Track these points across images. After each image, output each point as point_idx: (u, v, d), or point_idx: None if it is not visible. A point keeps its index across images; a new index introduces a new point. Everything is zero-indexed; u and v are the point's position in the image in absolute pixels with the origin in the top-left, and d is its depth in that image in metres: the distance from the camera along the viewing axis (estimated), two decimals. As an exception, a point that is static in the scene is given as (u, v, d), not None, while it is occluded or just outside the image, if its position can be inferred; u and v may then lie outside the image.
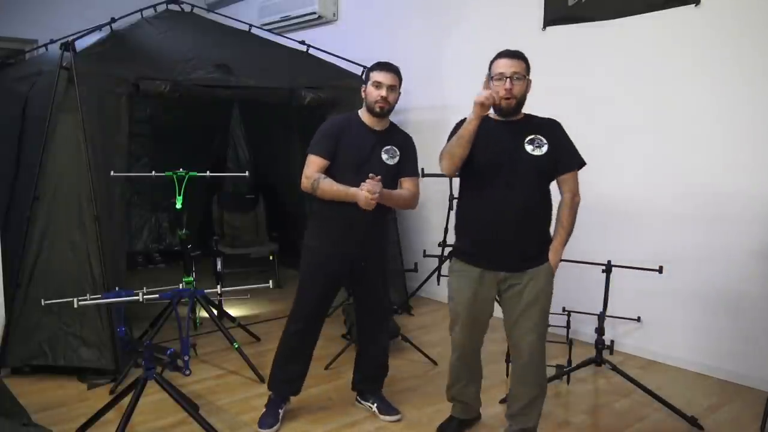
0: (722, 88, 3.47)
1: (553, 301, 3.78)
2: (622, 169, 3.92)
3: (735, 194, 3.45)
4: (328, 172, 2.77)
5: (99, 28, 3.94)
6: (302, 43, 4.98)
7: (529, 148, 2.47)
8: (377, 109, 2.79)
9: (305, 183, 2.78)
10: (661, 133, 3.74)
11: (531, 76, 2.51)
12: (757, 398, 3.24)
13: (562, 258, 3.42)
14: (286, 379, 2.98)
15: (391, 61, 2.85)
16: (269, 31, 5.49)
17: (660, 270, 3.28)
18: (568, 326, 3.68)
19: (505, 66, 2.43)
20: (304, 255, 2.91)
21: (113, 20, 4.04)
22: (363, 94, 2.85)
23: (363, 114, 2.87)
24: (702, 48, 3.54)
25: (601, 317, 3.28)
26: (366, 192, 2.62)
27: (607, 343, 3.33)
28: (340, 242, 2.83)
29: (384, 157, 2.82)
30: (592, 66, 4.03)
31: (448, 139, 2.59)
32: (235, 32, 4.98)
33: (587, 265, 3.40)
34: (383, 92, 2.77)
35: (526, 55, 2.51)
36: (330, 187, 2.73)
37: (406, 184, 2.88)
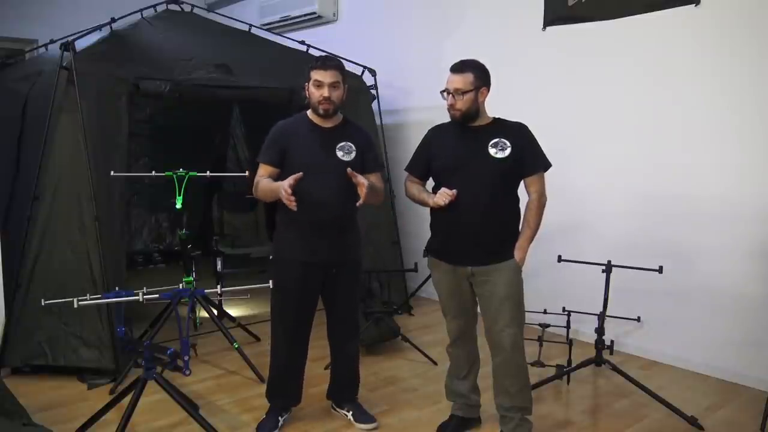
0: (723, 88, 3.47)
1: (554, 301, 3.84)
2: (621, 168, 3.92)
3: (735, 194, 3.45)
4: (284, 176, 2.63)
5: (99, 28, 3.94)
6: (302, 43, 4.99)
7: (492, 151, 2.59)
8: (321, 111, 2.67)
9: (254, 189, 2.74)
10: (661, 132, 3.74)
11: (484, 84, 2.60)
12: (757, 398, 3.24)
13: (564, 258, 3.48)
14: (283, 394, 2.95)
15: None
16: (269, 31, 5.50)
17: (660, 270, 3.28)
18: (568, 326, 3.67)
19: (449, 82, 2.59)
20: (277, 270, 2.77)
21: (113, 20, 4.04)
22: (306, 93, 2.73)
23: (311, 114, 2.76)
24: (702, 48, 3.54)
25: (601, 317, 3.28)
26: (284, 193, 2.48)
27: (607, 343, 3.33)
28: (312, 250, 2.71)
29: (339, 154, 2.71)
30: (592, 66, 4.03)
31: (418, 148, 2.79)
32: (235, 32, 4.98)
33: (587, 265, 3.40)
34: (325, 92, 2.63)
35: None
36: (263, 187, 2.66)
37: (372, 180, 2.78)
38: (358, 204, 2.62)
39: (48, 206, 3.42)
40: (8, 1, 5.89)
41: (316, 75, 2.65)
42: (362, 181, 2.58)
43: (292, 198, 2.48)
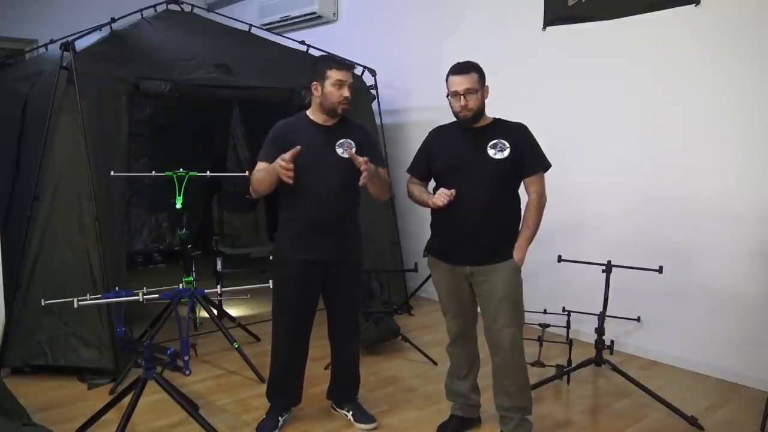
0: (723, 88, 3.47)
1: (554, 301, 3.84)
2: (621, 167, 3.92)
3: (735, 194, 3.45)
4: None
5: (99, 28, 3.94)
6: (302, 43, 4.99)
7: (491, 152, 2.60)
8: (340, 111, 2.67)
9: (250, 186, 2.73)
10: (661, 132, 3.74)
11: (487, 82, 2.62)
12: (757, 398, 3.24)
13: (564, 258, 3.48)
14: (284, 394, 2.94)
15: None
16: (269, 31, 5.50)
17: (660, 270, 3.28)
18: (568, 326, 3.67)
19: (457, 84, 2.57)
20: (278, 269, 2.79)
21: (113, 20, 4.04)
22: (316, 92, 2.69)
23: (313, 113, 2.76)
24: (702, 48, 3.54)
25: (601, 317, 3.28)
26: (282, 162, 2.47)
27: (607, 343, 3.33)
28: (313, 248, 2.72)
29: (339, 151, 2.70)
30: (592, 66, 4.03)
31: (419, 150, 2.79)
32: (235, 32, 4.98)
33: (587, 265, 3.40)
34: (346, 92, 2.64)
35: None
36: (258, 176, 2.66)
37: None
38: (360, 183, 2.60)
39: (48, 206, 3.42)
40: (8, 1, 5.89)
41: (338, 75, 2.65)
42: (363, 158, 2.57)
43: (291, 166, 2.47)
